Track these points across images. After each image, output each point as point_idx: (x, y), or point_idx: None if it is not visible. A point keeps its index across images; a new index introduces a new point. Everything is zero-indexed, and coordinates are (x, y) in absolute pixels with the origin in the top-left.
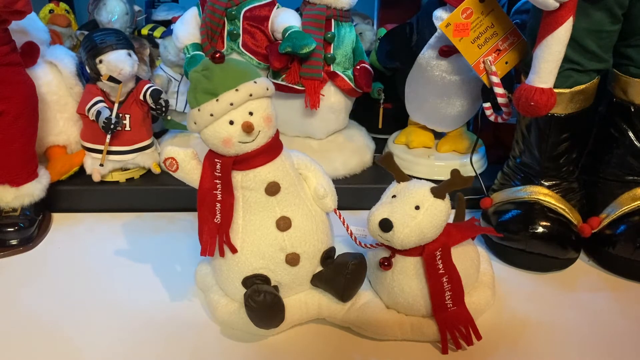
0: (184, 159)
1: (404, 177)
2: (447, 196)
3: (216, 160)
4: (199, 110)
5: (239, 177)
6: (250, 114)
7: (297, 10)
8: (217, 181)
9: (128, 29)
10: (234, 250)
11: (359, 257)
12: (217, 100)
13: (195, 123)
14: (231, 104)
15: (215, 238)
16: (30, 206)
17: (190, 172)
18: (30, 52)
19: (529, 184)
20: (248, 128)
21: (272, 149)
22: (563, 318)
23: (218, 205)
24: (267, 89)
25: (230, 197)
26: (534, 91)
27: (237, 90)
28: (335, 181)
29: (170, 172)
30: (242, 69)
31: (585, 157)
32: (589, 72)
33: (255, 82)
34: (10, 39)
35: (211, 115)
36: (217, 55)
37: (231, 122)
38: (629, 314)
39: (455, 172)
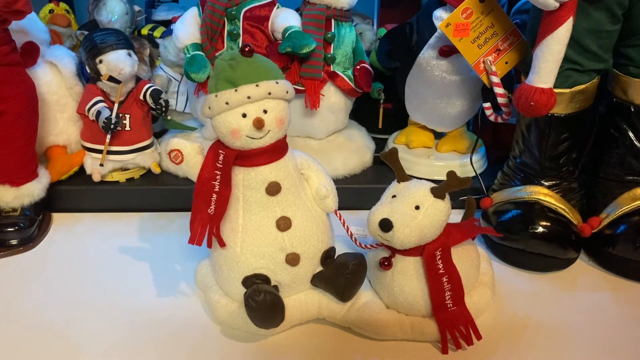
0: (190, 152)
1: (405, 176)
2: (447, 196)
3: (220, 151)
4: (216, 96)
5: (240, 176)
6: (265, 111)
7: (297, 10)
8: (218, 172)
9: (128, 29)
10: (222, 243)
11: (359, 257)
12: (235, 90)
13: (209, 108)
14: (248, 97)
15: (206, 228)
16: (30, 206)
17: (193, 166)
18: (30, 52)
19: (529, 184)
20: (259, 124)
21: (276, 150)
22: (563, 318)
23: (214, 196)
24: (287, 92)
25: (228, 190)
26: (534, 91)
27: (257, 85)
28: (336, 181)
29: (174, 164)
30: (267, 67)
31: (585, 157)
32: (589, 72)
33: (277, 83)
34: (10, 39)
35: (226, 103)
36: (246, 49)
37: (244, 115)
38: (629, 314)
39: (451, 174)
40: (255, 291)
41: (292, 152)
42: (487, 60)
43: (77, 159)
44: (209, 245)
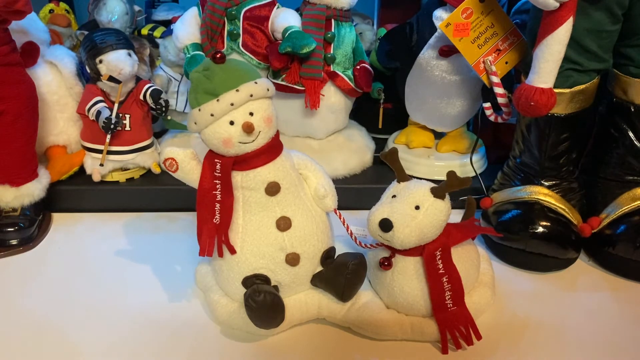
0: (183, 159)
1: (405, 176)
2: (447, 196)
3: (216, 160)
4: (199, 110)
5: (239, 177)
6: (251, 114)
7: (297, 10)
8: (217, 181)
9: (128, 29)
10: (232, 251)
11: (359, 257)
12: (217, 100)
13: (195, 123)
14: (232, 104)
15: (214, 238)
16: (30, 206)
17: (189, 172)
18: (30, 52)
19: (529, 184)
20: (248, 128)
21: (272, 150)
22: (563, 318)
23: (217, 205)
24: (268, 90)
25: (230, 197)
26: (534, 91)
27: (237, 90)
28: (335, 181)
29: (170, 173)
30: (243, 70)
31: (585, 157)
32: (589, 72)
33: (256, 83)
34: (10, 39)
35: (212, 115)
36: (218, 56)
37: (231, 123)
38: (629, 314)
39: (451, 174)
40: (255, 291)
41: (288, 152)
42: (487, 60)
43: (77, 159)
44: (220, 254)
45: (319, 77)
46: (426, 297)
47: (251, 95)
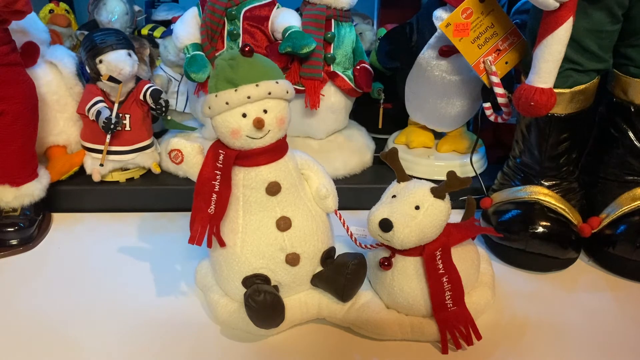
0: (190, 152)
1: (405, 176)
2: (447, 196)
3: (220, 151)
4: (216, 96)
5: (240, 175)
6: (265, 111)
7: (297, 10)
8: (218, 172)
9: (128, 29)
10: (222, 243)
11: (359, 257)
12: (235, 90)
13: (209, 108)
14: (248, 97)
15: (206, 228)
16: (30, 206)
17: (193, 166)
18: (30, 52)
19: (529, 184)
20: (259, 124)
21: (277, 150)
22: (563, 318)
23: (214, 196)
24: (287, 92)
25: (228, 190)
26: (534, 91)
27: (257, 85)
28: (335, 181)
29: (174, 164)
30: (267, 67)
31: (585, 157)
32: (589, 72)
33: (277, 82)
34: (10, 39)
35: (227, 103)
36: (246, 49)
37: (244, 115)
38: (629, 314)
39: (451, 174)
40: (255, 291)
41: (293, 152)
42: (487, 60)
43: (77, 159)
44: (209, 245)
45: (319, 77)
46: (426, 297)
47: (269, 93)
